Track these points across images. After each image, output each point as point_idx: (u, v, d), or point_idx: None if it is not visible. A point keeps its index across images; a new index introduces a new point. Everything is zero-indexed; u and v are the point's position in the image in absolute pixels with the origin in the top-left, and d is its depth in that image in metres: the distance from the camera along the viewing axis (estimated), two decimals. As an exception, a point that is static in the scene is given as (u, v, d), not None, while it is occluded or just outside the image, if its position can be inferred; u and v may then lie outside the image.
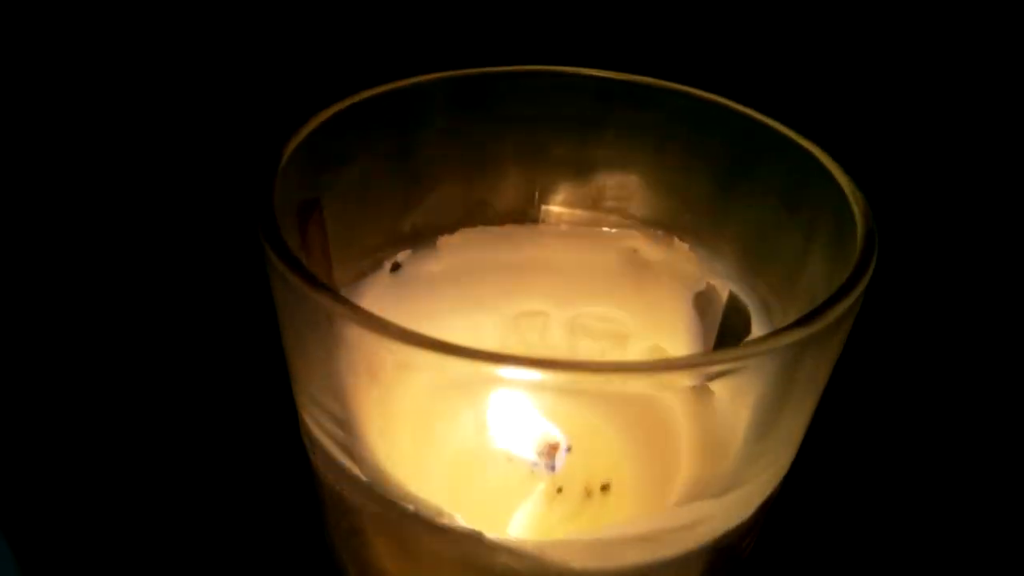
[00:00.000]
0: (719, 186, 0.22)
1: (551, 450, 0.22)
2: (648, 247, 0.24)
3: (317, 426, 0.16)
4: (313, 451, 0.18)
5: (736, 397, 0.21)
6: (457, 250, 0.24)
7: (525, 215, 0.24)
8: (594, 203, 0.24)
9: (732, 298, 0.22)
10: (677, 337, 0.24)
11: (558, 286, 0.25)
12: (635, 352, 0.24)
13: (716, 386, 0.22)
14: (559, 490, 0.22)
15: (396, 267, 0.23)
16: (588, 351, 0.25)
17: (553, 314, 0.25)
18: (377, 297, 0.23)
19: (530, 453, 0.22)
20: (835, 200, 0.19)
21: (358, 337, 0.14)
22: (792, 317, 0.20)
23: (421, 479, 0.21)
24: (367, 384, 0.17)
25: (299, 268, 0.14)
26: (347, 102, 0.20)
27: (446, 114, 0.22)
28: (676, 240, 0.23)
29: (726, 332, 0.23)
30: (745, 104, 0.21)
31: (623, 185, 0.24)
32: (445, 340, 0.13)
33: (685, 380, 0.13)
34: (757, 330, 0.22)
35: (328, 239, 0.21)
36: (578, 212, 0.24)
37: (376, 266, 0.23)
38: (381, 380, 0.16)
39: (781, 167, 0.20)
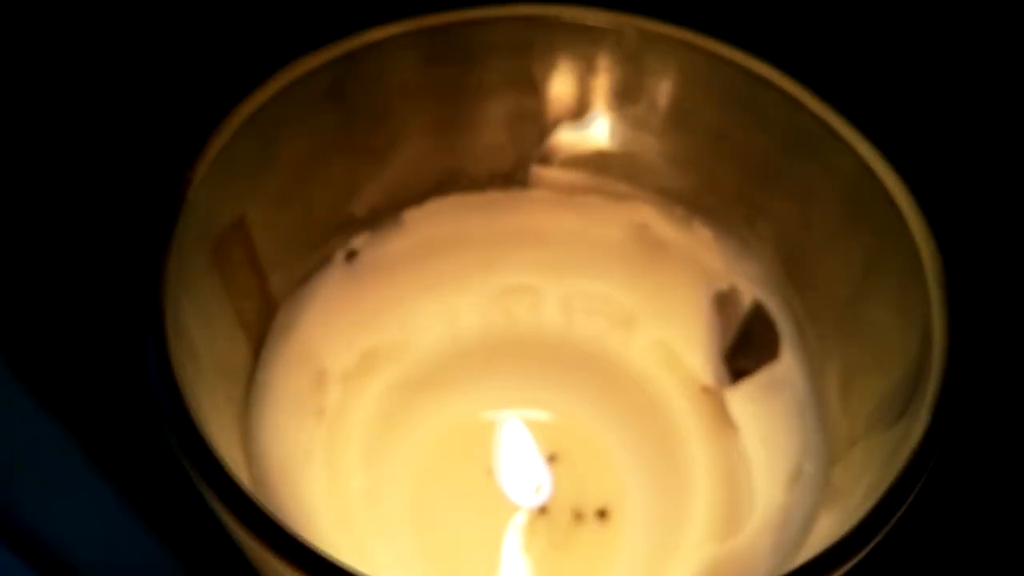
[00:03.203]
0: (759, 171, 0.17)
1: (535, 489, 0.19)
2: (662, 225, 0.20)
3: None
4: None
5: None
6: (426, 224, 0.20)
7: (511, 179, 0.20)
8: (597, 167, 0.19)
9: (758, 308, 0.18)
10: (689, 336, 0.20)
11: (550, 258, 0.21)
12: (639, 344, 0.20)
13: (738, 416, 0.19)
14: (542, 510, 0.20)
15: (352, 255, 0.19)
16: (585, 332, 0.21)
17: (545, 289, 0.21)
18: (330, 294, 0.19)
19: (511, 483, 0.19)
20: (905, 253, 0.14)
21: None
22: (834, 354, 0.17)
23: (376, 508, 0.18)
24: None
25: (216, 477, 0.10)
26: (268, 89, 0.15)
27: (403, 73, 0.17)
28: (697, 224, 0.19)
29: (747, 344, 0.19)
30: (801, 73, 0.16)
31: (635, 149, 0.19)
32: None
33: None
34: (787, 355, 0.18)
35: (257, 252, 0.16)
36: (577, 176, 0.20)
37: (326, 260, 0.18)
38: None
39: (838, 177, 0.16)
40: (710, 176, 0.18)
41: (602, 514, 0.19)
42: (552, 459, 0.20)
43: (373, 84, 0.17)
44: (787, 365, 0.18)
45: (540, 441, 0.19)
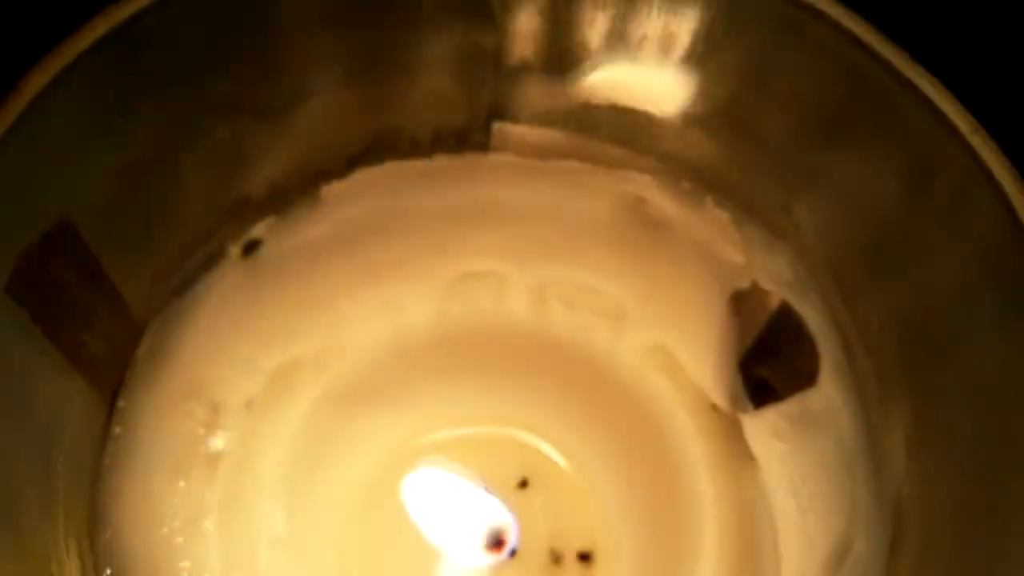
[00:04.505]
0: (800, 137, 0.13)
1: (496, 542, 0.15)
2: (663, 200, 0.16)
3: None
4: None
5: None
6: (353, 201, 0.16)
7: (465, 140, 0.15)
8: (580, 125, 0.15)
9: (786, 314, 0.14)
10: (695, 340, 0.16)
11: (518, 240, 0.17)
12: (631, 346, 0.17)
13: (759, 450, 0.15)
14: (512, 553, 0.16)
15: (252, 247, 0.15)
16: (565, 324, 0.17)
17: (511, 275, 0.17)
18: (222, 302, 0.15)
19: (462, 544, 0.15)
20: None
21: None
22: (899, 398, 0.13)
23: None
24: None
25: None
26: (94, 29, 0.10)
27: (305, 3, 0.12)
28: (710, 203, 0.15)
29: (772, 361, 0.15)
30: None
31: (630, 101, 0.14)
32: None
33: None
34: (829, 385, 0.14)
35: (99, 262, 0.12)
36: (553, 135, 0.15)
37: (214, 257, 0.14)
38: None
39: (912, 145, 0.11)
40: (731, 141, 0.14)
41: (585, 557, 0.16)
42: (523, 485, 0.17)
43: (263, 19, 0.12)
44: (828, 397, 0.14)
45: (508, 464, 0.16)
